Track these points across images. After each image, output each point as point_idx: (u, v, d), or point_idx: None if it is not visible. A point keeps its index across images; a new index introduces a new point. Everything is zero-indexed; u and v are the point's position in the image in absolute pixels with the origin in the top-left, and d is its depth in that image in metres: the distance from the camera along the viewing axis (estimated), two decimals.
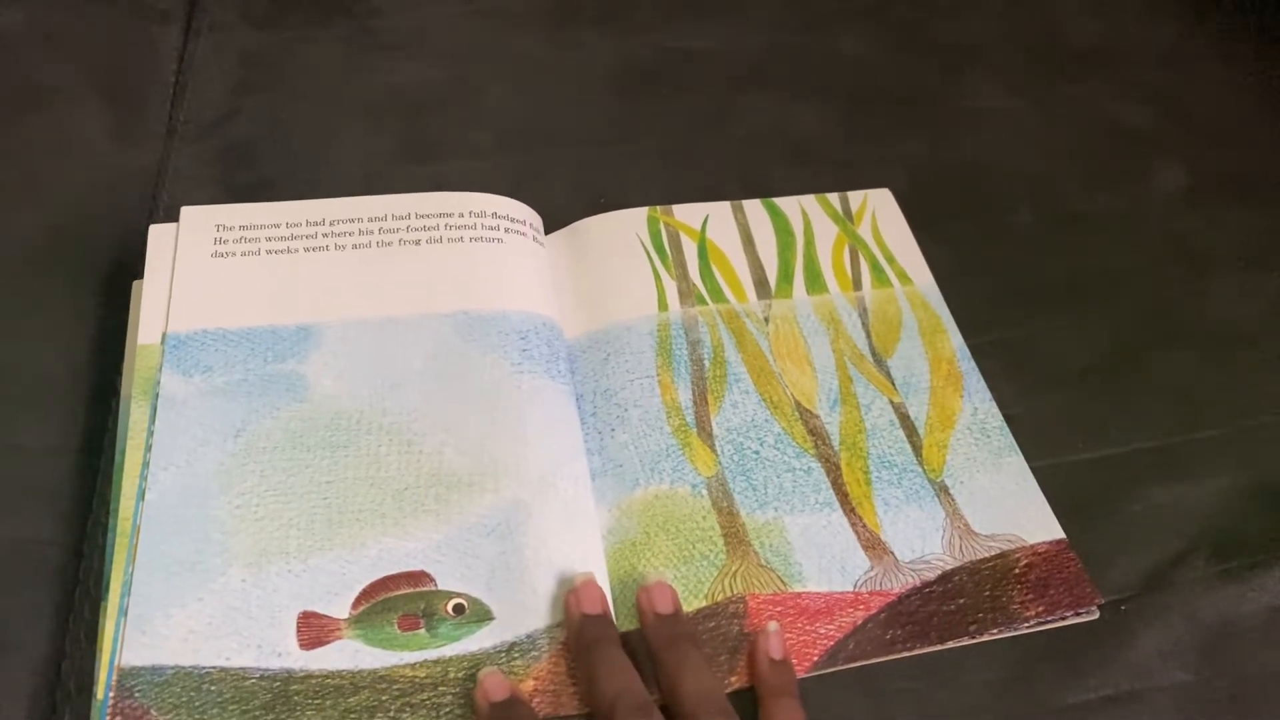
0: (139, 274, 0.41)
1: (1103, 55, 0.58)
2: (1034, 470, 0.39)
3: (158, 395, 0.37)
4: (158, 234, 0.41)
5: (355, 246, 0.42)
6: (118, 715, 0.31)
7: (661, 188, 0.48)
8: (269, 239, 0.42)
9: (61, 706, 0.32)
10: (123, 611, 0.33)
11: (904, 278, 0.46)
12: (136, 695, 0.31)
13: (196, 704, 0.31)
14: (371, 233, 0.42)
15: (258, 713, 0.31)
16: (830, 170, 0.50)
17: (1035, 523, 0.38)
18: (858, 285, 0.45)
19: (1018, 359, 0.43)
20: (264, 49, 0.54)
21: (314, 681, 0.32)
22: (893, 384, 0.42)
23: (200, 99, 0.51)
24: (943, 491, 0.38)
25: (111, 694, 0.31)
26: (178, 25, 0.55)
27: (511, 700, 0.31)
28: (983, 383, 0.42)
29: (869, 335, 0.43)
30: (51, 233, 0.44)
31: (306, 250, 0.41)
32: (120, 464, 0.36)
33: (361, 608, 0.33)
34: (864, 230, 0.47)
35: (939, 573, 0.36)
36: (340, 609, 0.33)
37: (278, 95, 0.52)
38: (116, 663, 0.31)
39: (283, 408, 0.37)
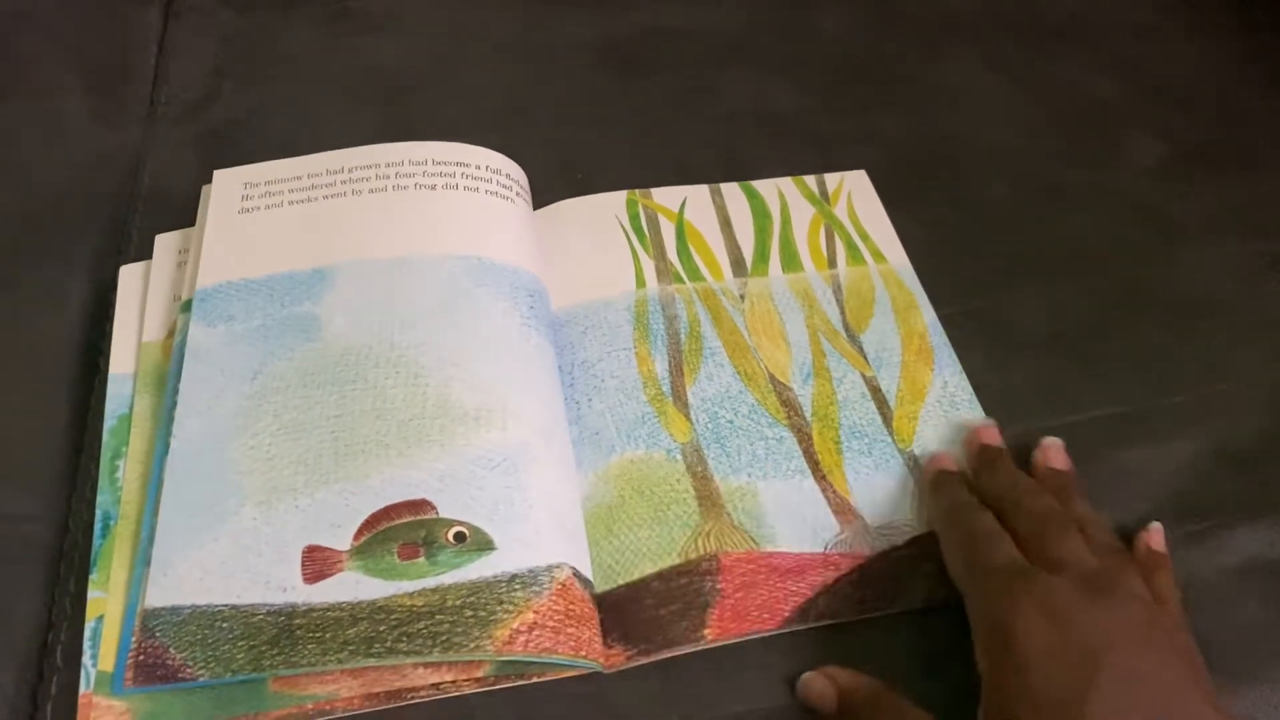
0: (120, 252, 0.41)
1: (1077, 29, 0.59)
2: (1004, 438, 0.40)
3: (184, 346, 0.38)
4: (128, 274, 0.41)
5: (371, 191, 0.42)
6: (140, 655, 0.31)
7: (639, 165, 0.49)
8: (292, 190, 0.42)
9: (49, 676, 0.33)
10: (144, 560, 0.33)
11: (878, 256, 0.46)
12: (158, 635, 0.31)
13: (209, 641, 0.31)
14: (388, 177, 0.43)
15: (264, 648, 0.31)
16: (807, 146, 0.51)
17: None
18: (833, 264, 0.46)
19: (988, 328, 0.44)
20: (243, 31, 0.54)
21: (315, 615, 0.32)
22: (865, 358, 0.42)
23: (180, 81, 0.51)
24: (912, 461, 0.39)
25: (134, 636, 0.32)
26: (157, 7, 0.55)
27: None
28: (953, 357, 0.42)
29: (843, 311, 0.44)
30: (32, 213, 0.45)
31: (326, 198, 0.42)
32: (121, 450, 0.36)
33: (363, 538, 0.33)
34: (840, 210, 0.48)
35: (908, 537, 0.37)
36: (343, 541, 0.33)
37: (258, 77, 0.52)
38: (139, 606, 0.32)
39: (297, 349, 0.38)
